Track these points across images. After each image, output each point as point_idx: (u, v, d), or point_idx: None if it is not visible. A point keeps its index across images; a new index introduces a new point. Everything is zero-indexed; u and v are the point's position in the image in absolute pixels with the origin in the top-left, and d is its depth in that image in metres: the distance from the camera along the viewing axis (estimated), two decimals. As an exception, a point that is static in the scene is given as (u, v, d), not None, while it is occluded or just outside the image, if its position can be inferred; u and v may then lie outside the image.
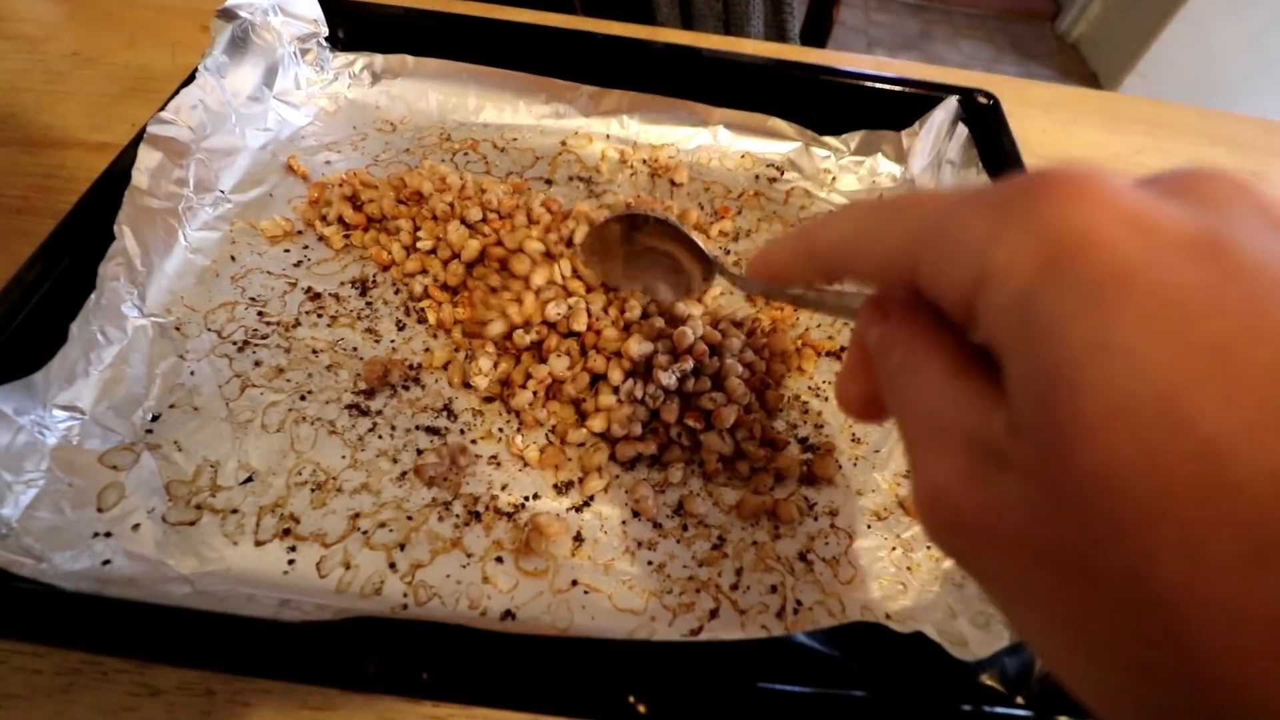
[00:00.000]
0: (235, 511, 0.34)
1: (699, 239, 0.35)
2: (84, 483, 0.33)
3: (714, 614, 0.33)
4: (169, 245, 0.42)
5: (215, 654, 0.26)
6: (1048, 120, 0.65)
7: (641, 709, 0.25)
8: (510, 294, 0.42)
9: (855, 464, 0.39)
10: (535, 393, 0.39)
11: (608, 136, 0.56)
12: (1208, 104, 0.70)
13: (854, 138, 0.56)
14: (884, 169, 0.56)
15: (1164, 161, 0.52)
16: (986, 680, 0.28)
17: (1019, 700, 0.28)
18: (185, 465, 0.35)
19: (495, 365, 0.40)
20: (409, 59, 0.55)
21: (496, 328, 0.41)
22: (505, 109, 0.56)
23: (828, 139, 0.56)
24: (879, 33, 2.05)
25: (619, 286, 0.41)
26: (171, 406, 0.37)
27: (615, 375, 0.39)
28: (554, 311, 0.40)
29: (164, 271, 0.41)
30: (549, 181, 0.53)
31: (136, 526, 0.33)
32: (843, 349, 0.45)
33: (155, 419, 0.36)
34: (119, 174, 0.39)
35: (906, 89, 0.55)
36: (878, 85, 0.55)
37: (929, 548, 0.37)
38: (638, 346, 0.39)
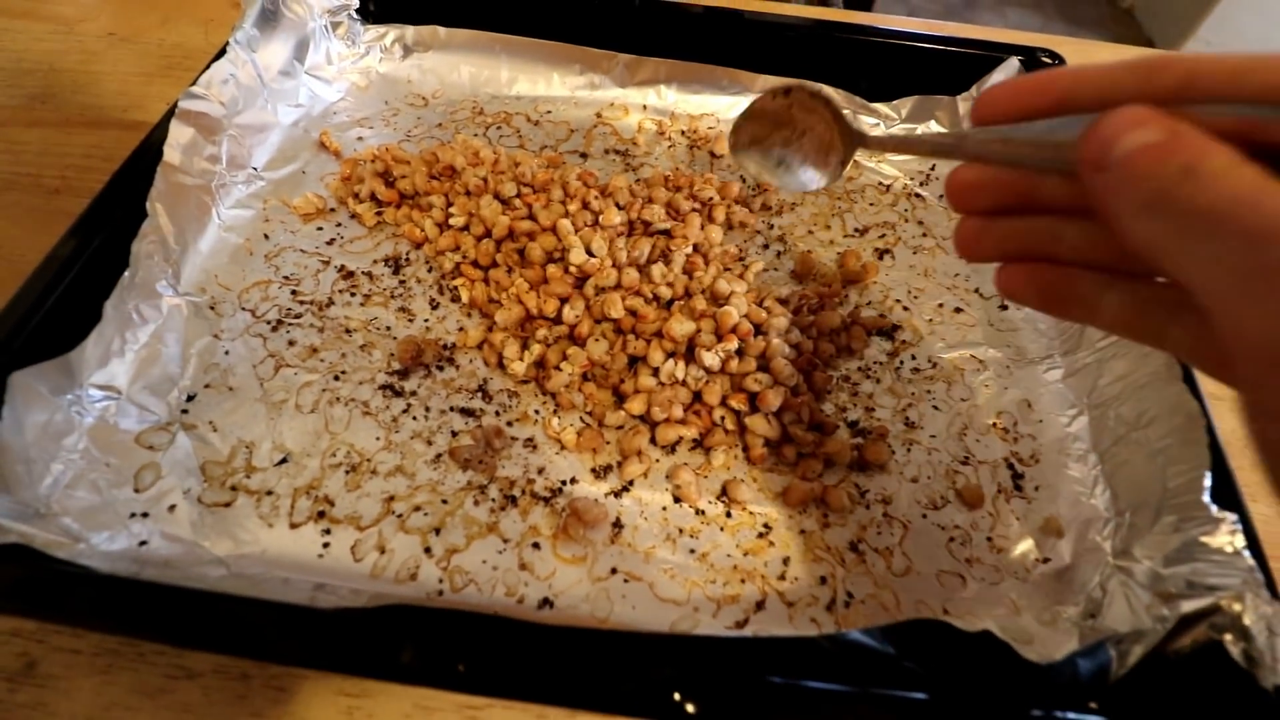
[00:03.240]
0: (270, 493, 0.34)
1: (846, 113, 0.32)
2: (120, 462, 0.33)
3: (760, 605, 0.32)
4: (202, 223, 0.41)
5: (250, 642, 0.25)
6: (1114, 84, 0.61)
7: (689, 708, 0.24)
8: (525, 279, 0.41)
9: (909, 449, 0.37)
10: (571, 375, 0.38)
11: (644, 107, 0.54)
12: None
13: (905, 104, 0.52)
14: (937, 137, 0.52)
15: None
16: (1058, 683, 0.26)
17: (1093, 705, 0.26)
18: (220, 446, 0.35)
19: (525, 348, 0.39)
20: (440, 30, 0.54)
21: (503, 315, 0.39)
22: (539, 81, 0.54)
23: (877, 105, 0.53)
24: (921, 1, 1.97)
25: (760, 174, 0.35)
26: (207, 386, 0.37)
27: (656, 356, 0.37)
28: (571, 314, 0.39)
29: (198, 249, 0.41)
30: (584, 155, 0.51)
31: (173, 507, 0.32)
32: (895, 327, 0.42)
33: (190, 399, 0.36)
34: (151, 150, 0.39)
35: (962, 50, 0.51)
36: (931, 47, 0.52)
37: (989, 539, 0.34)
38: (680, 326, 0.37)
